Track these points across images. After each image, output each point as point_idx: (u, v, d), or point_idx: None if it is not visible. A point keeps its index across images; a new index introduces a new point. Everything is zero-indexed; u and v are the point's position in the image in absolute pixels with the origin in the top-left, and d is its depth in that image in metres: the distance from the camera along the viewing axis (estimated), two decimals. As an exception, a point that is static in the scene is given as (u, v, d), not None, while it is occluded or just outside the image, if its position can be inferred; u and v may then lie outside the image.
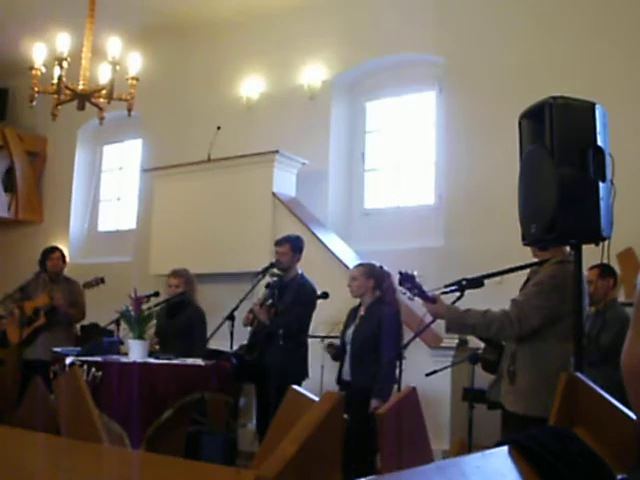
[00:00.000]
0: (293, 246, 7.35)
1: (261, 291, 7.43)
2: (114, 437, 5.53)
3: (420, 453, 3.98)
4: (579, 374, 2.36)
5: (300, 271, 7.39)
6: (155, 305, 7.45)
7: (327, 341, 7.10)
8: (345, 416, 2.17)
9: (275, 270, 7.29)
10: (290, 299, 6.98)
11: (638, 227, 7.28)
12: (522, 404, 4.58)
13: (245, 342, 7.33)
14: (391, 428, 3.73)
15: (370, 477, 1.64)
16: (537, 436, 2.03)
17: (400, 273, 4.95)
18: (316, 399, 2.74)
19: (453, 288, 4.88)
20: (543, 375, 4.40)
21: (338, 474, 2.05)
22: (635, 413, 0.99)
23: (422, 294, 4.84)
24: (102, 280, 8.31)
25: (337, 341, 6.91)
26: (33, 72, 7.60)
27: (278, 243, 7.42)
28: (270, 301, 6.94)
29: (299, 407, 2.93)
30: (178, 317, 7.69)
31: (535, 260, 4.94)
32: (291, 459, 1.77)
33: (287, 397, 3.36)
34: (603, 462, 1.97)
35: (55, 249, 8.93)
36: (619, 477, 1.10)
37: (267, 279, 7.37)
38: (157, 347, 7.36)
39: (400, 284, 4.95)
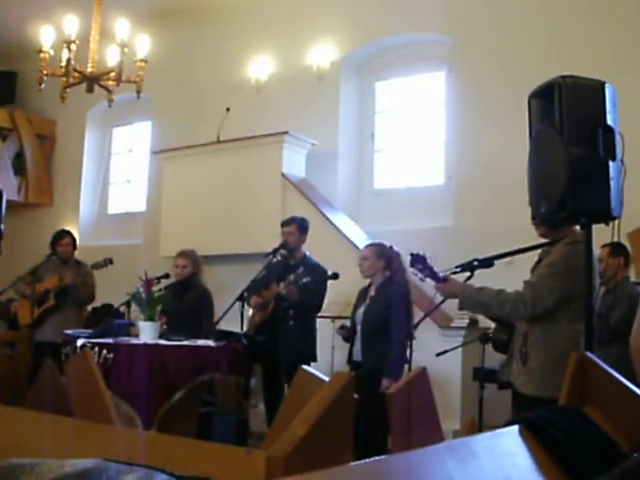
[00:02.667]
0: (300, 226, 7.38)
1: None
2: (125, 418, 5.56)
3: (431, 433, 3.99)
4: (589, 353, 2.36)
5: (307, 252, 7.42)
6: (165, 287, 7.50)
7: (339, 323, 7.10)
8: (355, 396, 2.18)
9: (282, 251, 7.31)
10: (310, 279, 6.97)
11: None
12: (534, 385, 4.57)
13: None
14: (401, 408, 3.74)
15: (381, 457, 1.65)
16: (547, 416, 2.03)
17: (411, 254, 4.95)
18: (326, 379, 2.74)
19: (463, 269, 4.88)
20: (555, 356, 4.38)
21: (349, 454, 2.05)
22: (644, 391, 0.99)
23: (435, 276, 4.84)
24: (110, 261, 8.32)
25: (348, 323, 6.92)
26: (41, 55, 7.60)
27: (285, 223, 7.45)
28: (305, 280, 6.89)
29: (309, 388, 2.94)
30: (185, 298, 7.72)
31: (547, 240, 4.92)
32: (301, 439, 1.78)
33: (297, 377, 3.37)
34: (613, 441, 1.97)
35: (65, 235, 8.85)
36: (635, 455, 1.10)
37: (277, 260, 7.40)
38: (164, 327, 7.39)
39: (411, 265, 4.96)
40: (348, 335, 6.79)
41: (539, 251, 4.97)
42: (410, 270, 5.19)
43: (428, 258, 4.91)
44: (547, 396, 4.24)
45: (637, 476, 0.81)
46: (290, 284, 6.91)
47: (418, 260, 4.89)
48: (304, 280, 6.85)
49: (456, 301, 4.82)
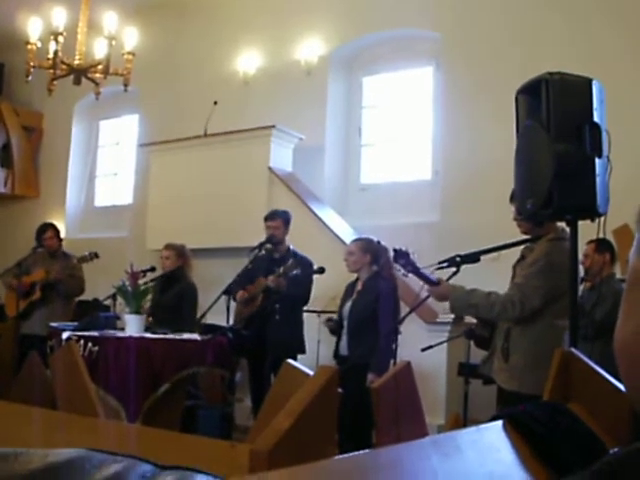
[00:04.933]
0: (284, 220, 7.38)
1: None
2: (110, 411, 5.55)
3: (415, 427, 4.00)
4: (573, 349, 2.37)
5: (291, 246, 7.41)
6: (151, 280, 7.49)
7: (326, 316, 7.09)
8: (340, 390, 2.18)
9: (268, 245, 7.29)
10: (300, 271, 6.95)
11: (634, 203, 7.22)
12: (516, 382, 4.59)
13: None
14: (386, 402, 3.75)
15: (365, 451, 1.65)
16: (531, 411, 2.04)
17: (395, 250, 4.96)
18: (311, 373, 2.75)
19: (447, 264, 4.88)
20: (537, 353, 4.40)
21: (333, 448, 2.06)
22: (625, 387, 0.99)
23: (417, 272, 4.85)
24: (96, 255, 8.29)
25: (335, 316, 6.92)
26: (29, 47, 7.57)
27: (269, 218, 7.42)
28: (295, 272, 6.86)
29: (294, 381, 2.94)
30: (169, 291, 7.70)
31: (528, 237, 4.93)
32: (286, 433, 1.79)
33: (282, 371, 3.37)
34: (596, 436, 1.98)
35: (47, 228, 8.78)
36: (612, 451, 1.11)
37: (261, 254, 7.40)
38: (150, 319, 7.37)
39: (395, 261, 4.97)
40: (335, 328, 6.79)
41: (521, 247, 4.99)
42: (394, 266, 5.20)
43: (411, 254, 4.92)
44: (528, 392, 4.27)
45: (615, 469, 0.81)
46: (280, 276, 6.90)
47: (401, 256, 4.90)
48: (294, 272, 6.83)
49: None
